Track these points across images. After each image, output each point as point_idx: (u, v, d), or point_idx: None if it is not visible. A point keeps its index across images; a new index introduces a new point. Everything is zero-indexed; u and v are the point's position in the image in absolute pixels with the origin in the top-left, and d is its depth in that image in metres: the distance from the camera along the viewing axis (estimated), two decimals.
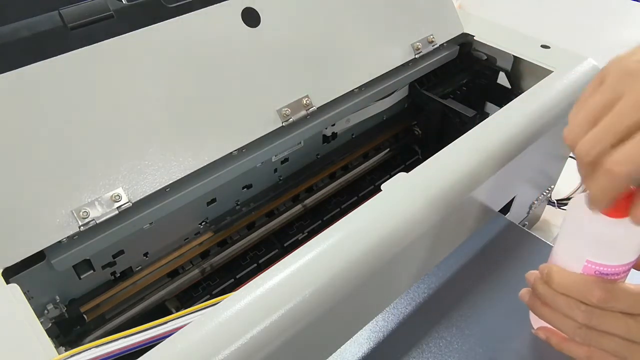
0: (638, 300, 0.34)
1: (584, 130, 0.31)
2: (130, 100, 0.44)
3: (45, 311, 0.44)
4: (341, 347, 0.45)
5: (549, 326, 0.40)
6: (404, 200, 0.43)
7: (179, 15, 0.47)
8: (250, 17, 0.50)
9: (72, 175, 0.40)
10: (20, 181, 0.39)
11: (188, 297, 0.54)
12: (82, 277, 0.46)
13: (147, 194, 0.43)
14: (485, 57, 0.67)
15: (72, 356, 0.33)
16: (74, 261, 0.42)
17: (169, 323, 0.35)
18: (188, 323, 0.34)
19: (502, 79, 0.67)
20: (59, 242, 0.39)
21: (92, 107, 0.42)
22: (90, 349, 0.33)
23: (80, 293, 0.48)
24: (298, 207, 0.62)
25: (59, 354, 0.33)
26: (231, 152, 0.47)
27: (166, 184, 0.44)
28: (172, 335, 0.33)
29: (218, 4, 0.49)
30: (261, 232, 0.59)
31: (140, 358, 0.32)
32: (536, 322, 0.45)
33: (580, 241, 0.38)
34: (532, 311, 0.41)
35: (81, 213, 0.40)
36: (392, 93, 0.65)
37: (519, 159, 0.51)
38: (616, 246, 0.36)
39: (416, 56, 0.61)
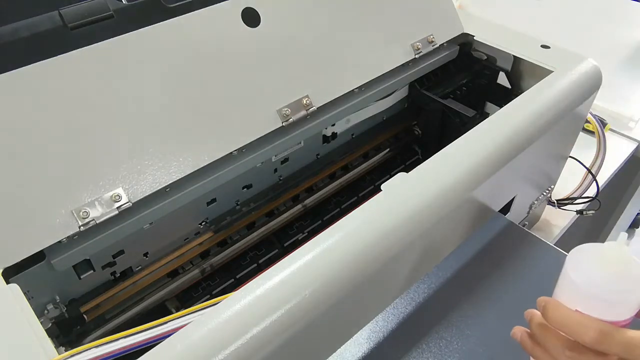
0: (631, 346, 0.33)
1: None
2: (130, 100, 0.44)
3: (45, 311, 0.44)
4: (341, 347, 0.45)
5: None
6: (404, 200, 0.43)
7: (179, 15, 0.47)
8: (250, 17, 0.50)
9: (72, 175, 0.40)
10: (20, 181, 0.39)
11: (188, 297, 0.54)
12: (82, 277, 0.46)
13: (147, 194, 0.43)
14: (485, 57, 0.67)
15: (72, 356, 0.33)
16: (74, 261, 0.42)
17: (169, 323, 0.35)
18: (188, 323, 0.34)
19: (502, 79, 0.67)
20: (59, 242, 0.39)
21: (92, 107, 0.42)
22: (90, 349, 0.33)
23: (80, 293, 0.48)
24: (298, 207, 0.62)
25: (59, 354, 0.33)
26: (231, 152, 0.47)
27: (166, 184, 0.44)
28: (172, 335, 0.33)
29: (218, 4, 0.49)
30: (261, 232, 0.59)
31: (140, 358, 0.32)
32: None
33: (574, 293, 0.37)
34: (523, 347, 0.41)
35: (81, 213, 0.40)
36: (392, 93, 0.65)
37: (519, 159, 0.51)
38: (611, 304, 0.35)
39: (416, 56, 0.61)
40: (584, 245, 0.38)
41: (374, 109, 0.66)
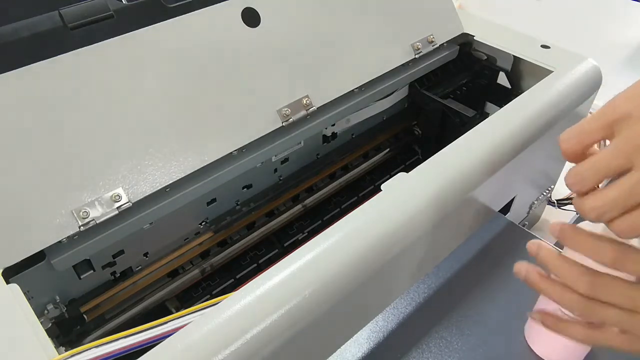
0: None
1: (591, 184, 0.32)
2: (131, 100, 0.44)
3: (45, 311, 0.44)
4: (341, 347, 0.45)
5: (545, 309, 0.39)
6: (404, 200, 0.43)
7: (179, 15, 0.47)
8: (250, 17, 0.50)
9: (72, 175, 0.40)
10: (20, 181, 0.39)
11: (188, 297, 0.54)
12: (82, 277, 0.46)
13: (147, 194, 0.43)
14: (485, 57, 0.67)
15: (72, 356, 0.33)
16: (74, 261, 0.42)
17: (169, 323, 0.35)
18: (188, 323, 0.34)
19: (502, 79, 0.67)
20: (59, 242, 0.39)
21: (92, 107, 0.42)
22: (90, 349, 0.33)
23: (80, 293, 0.48)
24: (298, 207, 0.62)
25: (59, 354, 0.33)
26: (231, 152, 0.47)
27: (166, 184, 0.44)
28: (172, 335, 0.33)
29: (218, 4, 0.49)
30: (261, 232, 0.59)
31: (140, 358, 0.32)
32: (530, 331, 0.46)
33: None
34: (528, 284, 0.39)
35: (81, 213, 0.40)
36: (392, 93, 0.65)
37: (519, 159, 0.51)
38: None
39: (416, 56, 0.61)
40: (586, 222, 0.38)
41: (374, 109, 0.66)
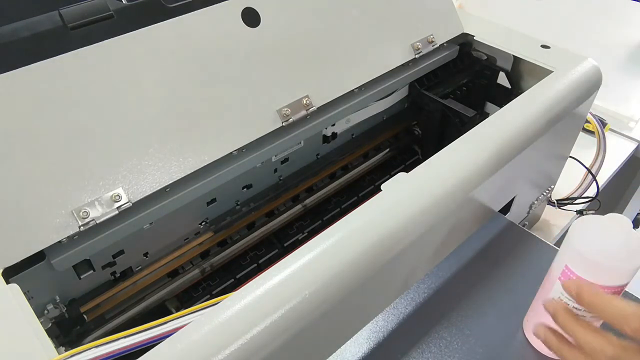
0: None
1: None
2: (131, 100, 0.44)
3: (45, 311, 0.44)
4: (341, 347, 0.45)
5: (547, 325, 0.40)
6: (404, 200, 0.43)
7: (179, 15, 0.47)
8: (250, 17, 0.50)
9: (72, 175, 0.40)
10: (20, 181, 0.39)
11: (188, 297, 0.54)
12: (82, 277, 0.46)
13: (147, 194, 0.43)
14: (485, 57, 0.67)
15: (72, 356, 0.33)
16: (74, 261, 0.42)
17: (169, 323, 0.35)
18: (188, 323, 0.34)
19: (502, 79, 0.67)
20: (59, 242, 0.39)
21: (92, 107, 0.42)
22: (90, 349, 0.33)
23: (80, 293, 0.48)
24: (298, 207, 0.62)
25: (59, 354, 0.33)
26: (231, 152, 0.47)
27: (166, 184, 0.44)
28: (172, 335, 0.33)
29: (218, 4, 0.49)
30: (261, 232, 0.59)
31: (140, 358, 0.32)
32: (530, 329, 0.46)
33: (576, 259, 0.40)
34: (548, 347, 0.38)
35: (81, 213, 0.40)
36: (392, 93, 0.65)
37: (519, 159, 0.51)
38: (610, 271, 0.38)
39: (416, 56, 0.61)
40: (587, 216, 0.41)
41: (374, 109, 0.66)
